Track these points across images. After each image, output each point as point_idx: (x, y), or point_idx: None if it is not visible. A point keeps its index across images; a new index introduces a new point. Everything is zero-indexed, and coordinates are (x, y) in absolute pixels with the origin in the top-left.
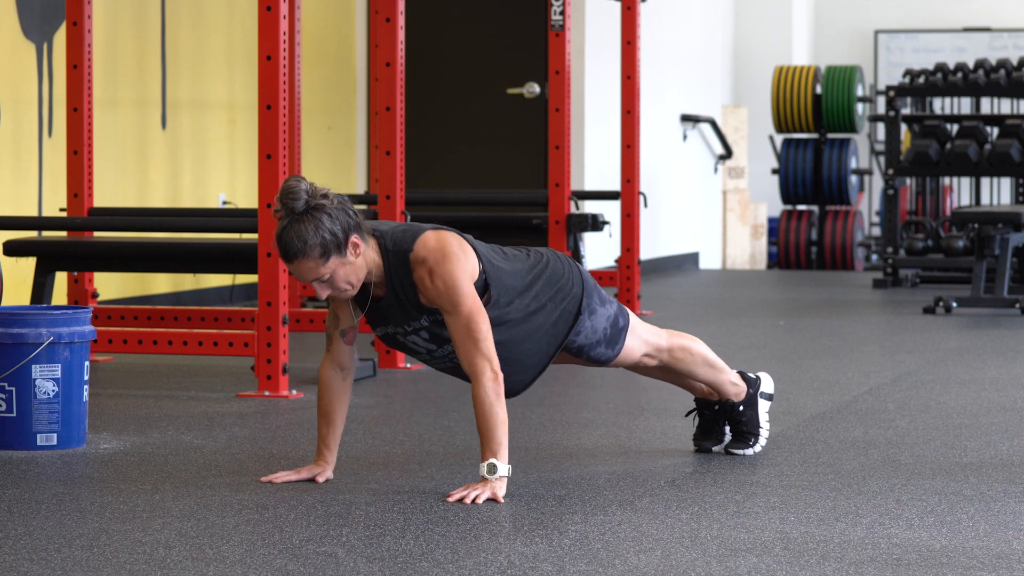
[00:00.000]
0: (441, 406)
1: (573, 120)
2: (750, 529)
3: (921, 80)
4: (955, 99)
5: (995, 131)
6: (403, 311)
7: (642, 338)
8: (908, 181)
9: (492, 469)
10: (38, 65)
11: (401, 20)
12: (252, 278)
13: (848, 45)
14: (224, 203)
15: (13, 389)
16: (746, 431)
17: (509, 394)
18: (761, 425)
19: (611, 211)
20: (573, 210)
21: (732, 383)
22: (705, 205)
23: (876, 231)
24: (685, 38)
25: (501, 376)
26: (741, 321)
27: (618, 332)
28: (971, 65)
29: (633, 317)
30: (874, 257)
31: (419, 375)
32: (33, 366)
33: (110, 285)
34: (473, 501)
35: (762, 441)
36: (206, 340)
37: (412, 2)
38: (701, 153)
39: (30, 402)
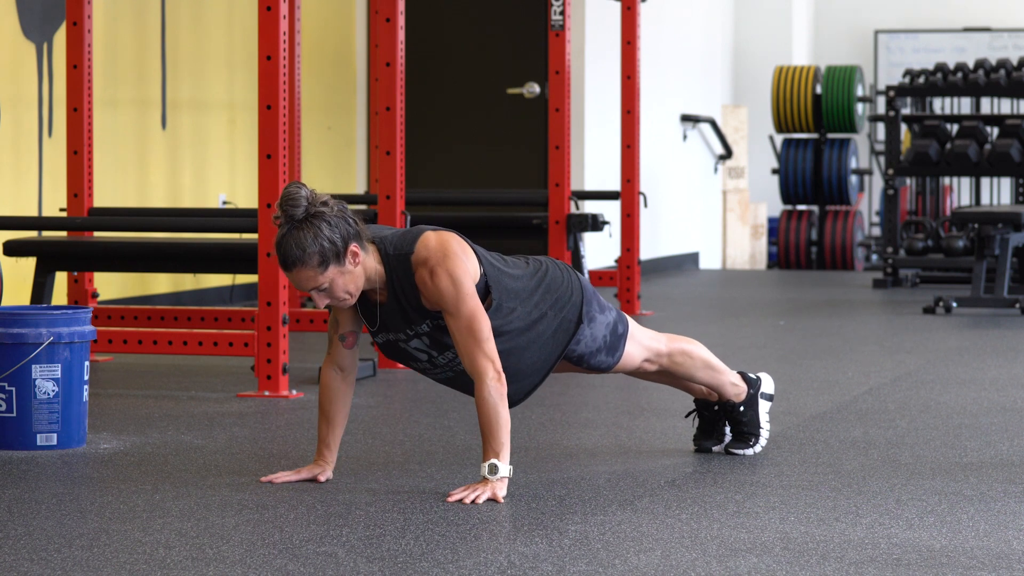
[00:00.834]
0: (441, 406)
1: (573, 120)
2: (750, 529)
3: (921, 80)
4: (955, 99)
5: (995, 131)
6: (404, 316)
7: (642, 344)
8: (908, 181)
9: (493, 469)
10: (38, 65)
11: (401, 20)
12: (252, 278)
13: (848, 45)
14: (224, 203)
15: (13, 389)
16: (746, 431)
17: (508, 404)
18: (761, 425)
19: (611, 211)
20: (573, 210)
21: (732, 384)
22: (705, 205)
23: (876, 231)
24: (685, 38)
25: (504, 377)
26: (741, 321)
27: (618, 339)
28: (971, 65)
29: (632, 323)
30: (874, 257)
31: (419, 375)
32: (33, 366)
33: (110, 285)
34: (473, 501)
35: (762, 441)
36: (206, 340)
37: (412, 2)
38: (701, 153)
39: (30, 402)
